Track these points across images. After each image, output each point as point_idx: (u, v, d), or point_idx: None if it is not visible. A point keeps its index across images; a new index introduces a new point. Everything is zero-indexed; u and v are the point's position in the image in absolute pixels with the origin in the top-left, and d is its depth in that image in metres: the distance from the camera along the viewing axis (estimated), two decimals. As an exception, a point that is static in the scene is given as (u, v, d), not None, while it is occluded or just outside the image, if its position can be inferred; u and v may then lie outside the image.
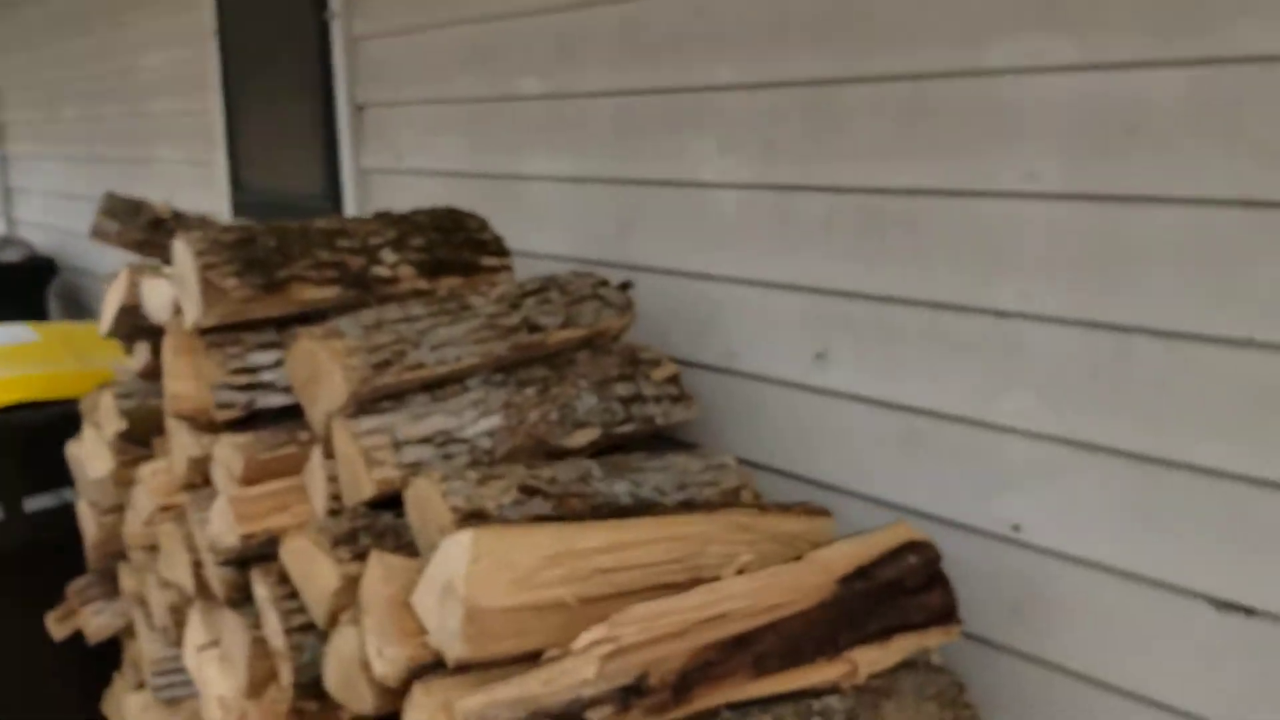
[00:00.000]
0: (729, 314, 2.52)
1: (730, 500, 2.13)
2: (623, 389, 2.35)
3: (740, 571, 1.87)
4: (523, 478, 2.04)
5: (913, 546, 1.97)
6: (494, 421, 2.20)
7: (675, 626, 1.76)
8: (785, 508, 2.08)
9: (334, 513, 2.20)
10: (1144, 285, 1.83)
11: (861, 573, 1.91)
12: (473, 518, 1.94)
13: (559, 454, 2.27)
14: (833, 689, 1.89)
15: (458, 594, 1.74)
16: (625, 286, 2.48)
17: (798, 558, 1.92)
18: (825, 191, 2.27)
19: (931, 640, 1.95)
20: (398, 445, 2.12)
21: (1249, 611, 1.78)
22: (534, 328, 2.33)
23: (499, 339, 2.28)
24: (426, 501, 2.01)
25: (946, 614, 1.96)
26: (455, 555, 1.77)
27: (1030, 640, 2.06)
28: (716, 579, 1.91)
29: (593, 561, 1.85)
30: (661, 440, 2.51)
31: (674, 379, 2.44)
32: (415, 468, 2.11)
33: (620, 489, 2.12)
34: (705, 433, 2.56)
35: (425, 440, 2.14)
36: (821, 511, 2.10)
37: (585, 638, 1.72)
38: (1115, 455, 1.91)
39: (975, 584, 2.11)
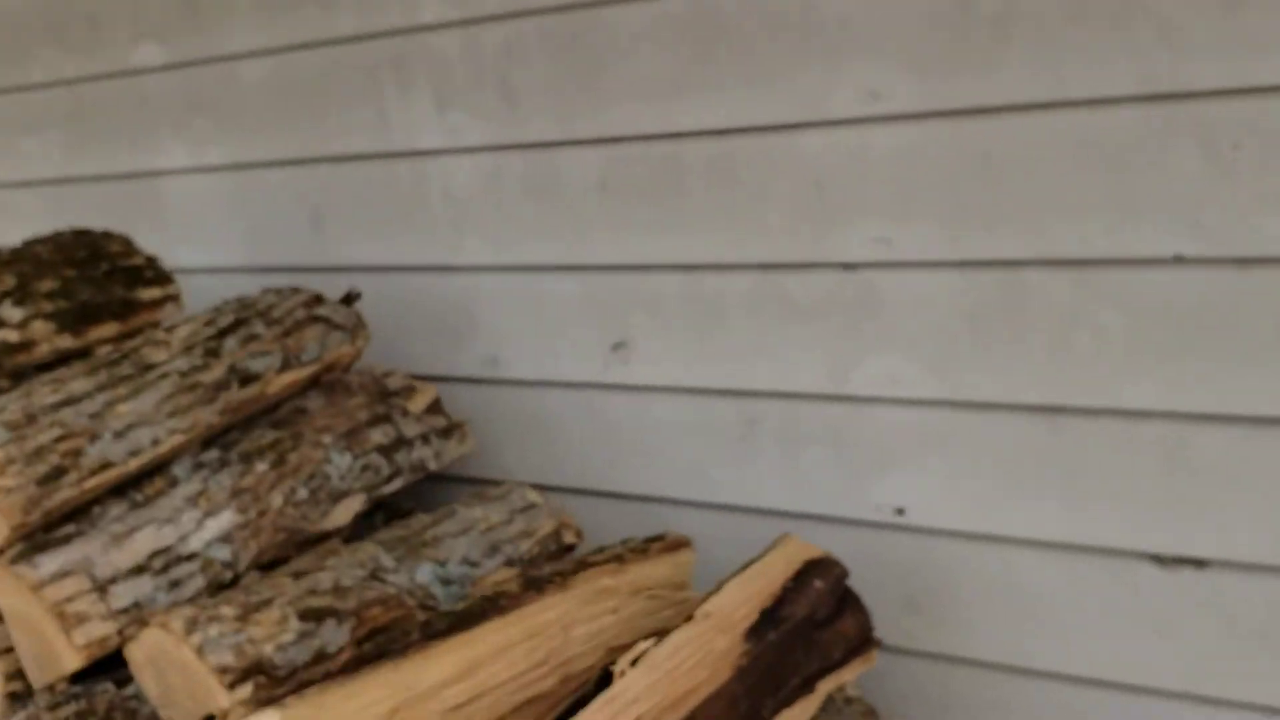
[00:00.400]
0: (485, 312, 2.02)
1: (572, 557, 1.67)
2: (379, 435, 1.81)
3: (635, 663, 1.43)
4: (298, 596, 1.49)
5: (814, 568, 1.60)
6: (226, 520, 1.61)
7: (583, 764, 1.31)
8: (641, 550, 1.64)
9: (15, 698, 1.54)
10: (1033, 210, 1.52)
11: (768, 618, 1.52)
12: (252, 676, 1.37)
13: (317, 540, 1.72)
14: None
15: (276, 808, 1.20)
16: (351, 299, 1.91)
17: (689, 618, 1.50)
18: (595, 145, 1.82)
19: (851, 674, 1.60)
20: (102, 587, 1.48)
21: (1199, 564, 1.55)
22: (247, 378, 1.73)
23: (204, 403, 1.67)
24: (170, 661, 1.42)
25: (864, 639, 1.62)
26: (258, 751, 1.22)
27: (932, 637, 1.75)
28: (594, 669, 1.46)
29: (443, 700, 1.35)
30: (429, 483, 1.99)
31: (436, 406, 1.92)
32: (137, 612, 1.49)
33: (425, 576, 1.60)
34: (475, 460, 2.06)
35: (139, 569, 1.52)
36: (681, 543, 1.69)
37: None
38: (1013, 411, 1.61)
39: (859, 582, 1.77)
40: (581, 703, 1.40)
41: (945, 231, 1.59)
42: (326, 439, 1.75)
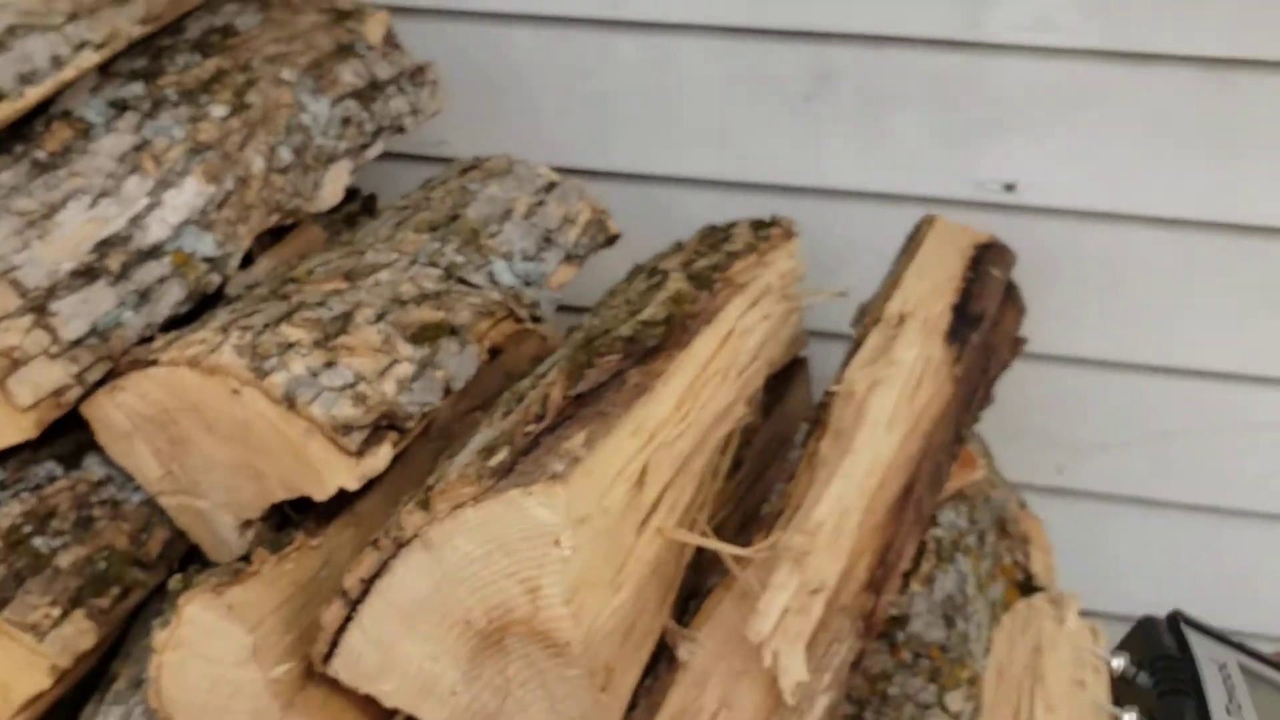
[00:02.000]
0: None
1: (690, 247, 1.21)
2: (350, 74, 1.21)
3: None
4: (385, 308, 0.94)
5: (987, 254, 1.27)
6: (192, 193, 0.99)
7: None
8: (765, 238, 1.22)
9: None
10: None
11: (962, 317, 1.18)
12: (383, 435, 0.85)
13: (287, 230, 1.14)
14: (953, 496, 1.21)
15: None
16: None
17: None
18: None
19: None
20: (38, 305, 0.86)
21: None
22: (165, -35, 1.06)
23: (116, 1, 1.01)
24: (209, 421, 0.85)
25: (1018, 337, 1.33)
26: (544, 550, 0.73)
27: (1038, 336, 1.47)
28: (759, 390, 1.08)
29: (673, 444, 0.91)
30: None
31: (391, 39, 1.33)
32: (100, 345, 0.88)
33: (506, 276, 1.10)
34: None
35: (86, 273, 0.90)
36: (792, 230, 1.29)
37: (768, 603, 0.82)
38: (1179, 65, 1.34)
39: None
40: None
41: None
42: (287, 74, 1.13)
